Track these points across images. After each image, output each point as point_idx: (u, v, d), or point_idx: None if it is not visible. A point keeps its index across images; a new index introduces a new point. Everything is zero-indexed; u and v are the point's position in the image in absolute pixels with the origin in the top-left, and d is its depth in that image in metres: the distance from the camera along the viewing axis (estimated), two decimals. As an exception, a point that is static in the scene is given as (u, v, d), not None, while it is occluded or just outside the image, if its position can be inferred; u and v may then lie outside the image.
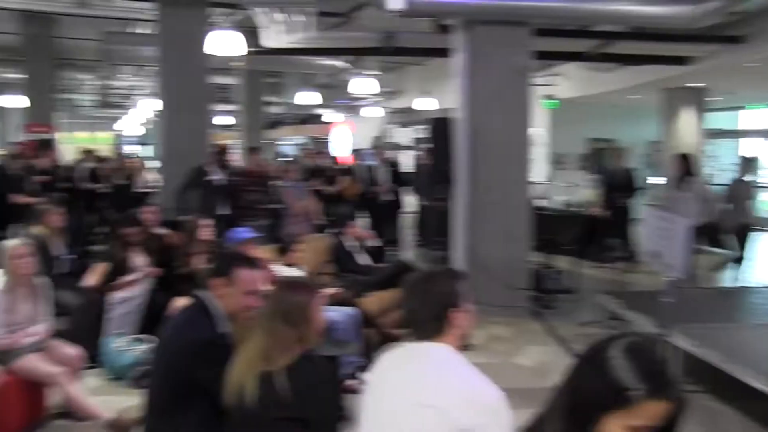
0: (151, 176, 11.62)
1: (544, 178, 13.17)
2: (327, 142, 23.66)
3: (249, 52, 8.81)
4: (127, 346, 5.36)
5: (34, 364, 4.36)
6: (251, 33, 10.17)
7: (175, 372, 2.87)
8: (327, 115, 22.67)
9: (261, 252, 5.84)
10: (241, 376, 2.53)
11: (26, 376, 4.37)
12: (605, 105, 14.75)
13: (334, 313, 4.79)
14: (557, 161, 14.89)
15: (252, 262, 3.12)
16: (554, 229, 9.19)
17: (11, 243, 4.57)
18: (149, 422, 3.04)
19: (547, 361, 5.77)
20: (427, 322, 2.17)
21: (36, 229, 5.68)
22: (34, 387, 4.48)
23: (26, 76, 14.02)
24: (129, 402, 4.68)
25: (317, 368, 2.60)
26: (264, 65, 14.13)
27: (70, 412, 4.62)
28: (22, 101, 14.45)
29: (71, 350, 4.60)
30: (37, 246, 4.79)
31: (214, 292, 3.01)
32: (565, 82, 13.07)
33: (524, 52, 6.94)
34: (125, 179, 12.03)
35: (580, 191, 11.51)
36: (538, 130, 12.28)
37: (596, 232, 9.08)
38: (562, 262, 8.44)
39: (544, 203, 11.02)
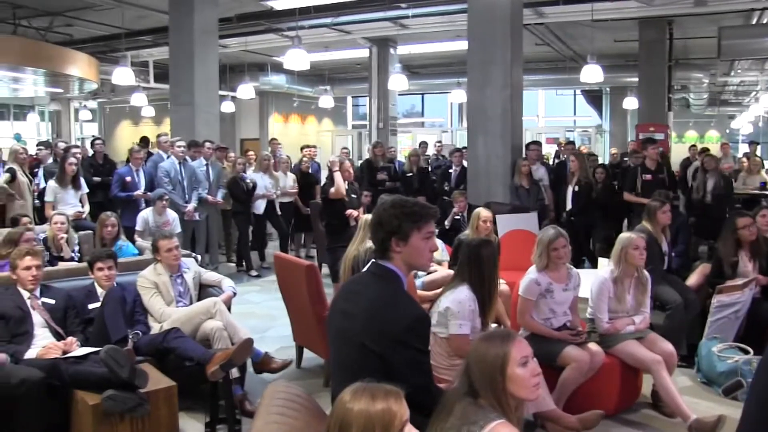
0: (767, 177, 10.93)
1: None
2: None
3: None
4: (724, 352, 5.10)
5: (633, 348, 4.48)
6: None
7: None
8: None
9: None
10: None
11: (624, 359, 4.52)
12: None
13: None
14: None
15: None
16: None
17: (627, 235, 4.77)
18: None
19: None
20: None
21: (648, 225, 5.82)
22: (630, 371, 4.61)
23: (640, 79, 14.53)
24: (715, 409, 4.47)
25: None
26: None
27: (659, 404, 4.64)
28: (636, 102, 15.09)
29: (667, 345, 4.58)
30: (648, 241, 4.89)
31: None
32: None
33: None
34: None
35: None
36: None
37: None
38: None
39: None
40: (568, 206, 8.65)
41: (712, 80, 17.81)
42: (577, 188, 8.52)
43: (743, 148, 19.99)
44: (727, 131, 25.99)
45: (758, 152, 13.86)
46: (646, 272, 4.78)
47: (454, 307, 3.95)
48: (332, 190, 6.51)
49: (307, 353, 5.53)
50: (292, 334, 5.62)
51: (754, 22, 12.03)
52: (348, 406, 1.90)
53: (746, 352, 5.07)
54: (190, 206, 8.48)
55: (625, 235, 4.79)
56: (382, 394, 1.93)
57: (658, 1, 9.99)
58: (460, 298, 3.99)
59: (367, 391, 1.93)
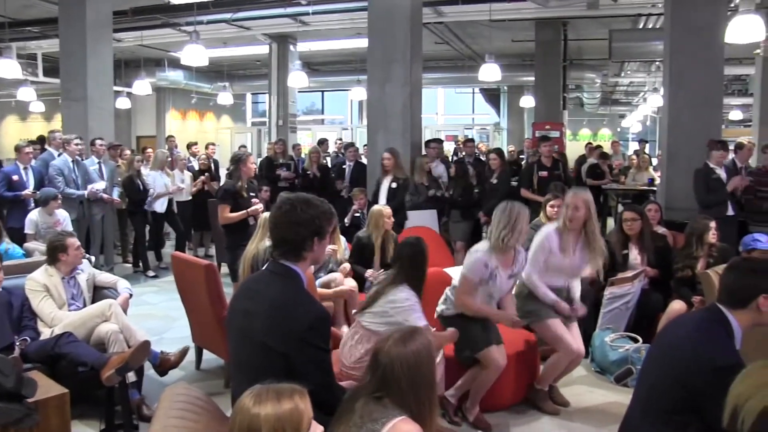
0: (654, 174, 11.47)
1: None
2: None
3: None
4: (616, 342, 5.32)
5: (561, 331, 4.51)
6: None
7: (683, 387, 2.65)
8: None
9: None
10: (748, 401, 2.20)
11: (546, 336, 4.61)
12: None
13: None
14: None
15: None
16: None
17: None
18: (637, 421, 2.90)
19: None
20: None
21: (544, 219, 6.02)
22: (528, 363, 4.74)
23: (536, 79, 14.98)
24: (608, 396, 4.64)
25: None
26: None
27: (551, 395, 4.75)
28: (533, 101, 15.55)
29: (580, 345, 4.64)
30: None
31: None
32: None
33: None
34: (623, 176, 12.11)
35: None
36: None
37: None
38: None
39: None
40: (381, 202, 7.75)
41: (604, 80, 18.58)
42: (394, 185, 8.02)
43: (633, 146, 20.90)
44: (618, 129, 27.18)
45: (647, 150, 14.52)
46: (595, 231, 4.55)
47: (409, 303, 3.89)
48: (223, 215, 6.27)
49: (207, 354, 5.41)
50: (191, 335, 5.49)
51: (641, 26, 12.60)
52: (254, 411, 1.85)
53: (636, 341, 5.31)
54: (92, 186, 8.17)
55: (572, 190, 4.69)
56: (287, 393, 1.90)
57: (554, 3, 10.31)
58: (406, 295, 3.93)
59: (271, 393, 1.89)
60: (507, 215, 4.18)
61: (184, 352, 4.85)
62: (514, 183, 8.99)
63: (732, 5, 8.79)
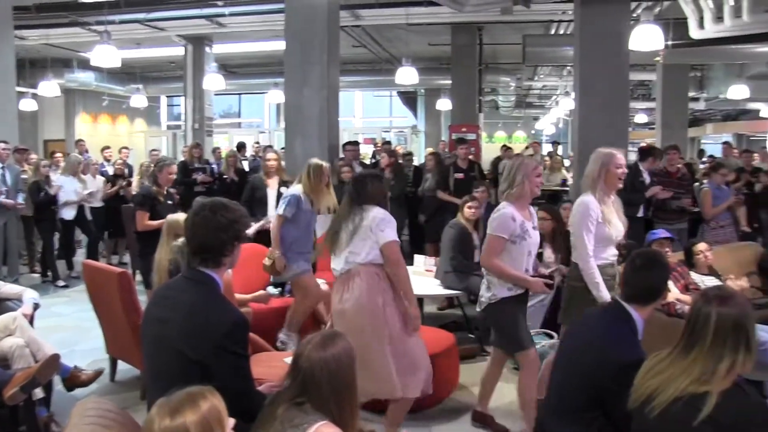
0: (567, 174, 11.80)
1: None
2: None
3: (673, 45, 8.24)
4: (533, 338, 5.43)
5: None
6: (681, 25, 9.62)
7: (593, 385, 2.73)
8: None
9: (673, 257, 5.50)
10: (656, 389, 2.29)
11: None
12: None
13: (763, 333, 4.14)
14: None
15: None
16: None
17: (607, 151, 4.31)
18: (548, 420, 2.97)
19: None
20: None
21: (461, 219, 6.15)
22: (447, 361, 4.80)
23: (452, 82, 15.18)
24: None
25: (750, 399, 2.25)
26: (690, 58, 13.16)
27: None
28: (449, 104, 15.74)
29: None
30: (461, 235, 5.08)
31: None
32: None
33: None
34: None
35: None
36: None
37: None
38: None
39: None
40: (271, 213, 7.01)
41: (518, 84, 18.97)
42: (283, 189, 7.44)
43: (547, 148, 21.44)
44: (533, 132, 27.87)
45: (560, 151, 14.91)
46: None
47: (385, 217, 3.85)
48: (142, 222, 6.10)
49: (122, 365, 5.25)
50: (105, 345, 5.31)
51: (553, 32, 12.95)
52: (177, 423, 1.82)
53: (551, 337, 5.45)
54: None
55: (604, 151, 4.32)
56: (199, 394, 1.90)
57: (469, 8, 10.45)
58: (379, 211, 3.88)
59: (184, 401, 1.88)
60: (508, 169, 4.16)
61: (98, 373, 4.67)
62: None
63: (635, 15, 9.17)
